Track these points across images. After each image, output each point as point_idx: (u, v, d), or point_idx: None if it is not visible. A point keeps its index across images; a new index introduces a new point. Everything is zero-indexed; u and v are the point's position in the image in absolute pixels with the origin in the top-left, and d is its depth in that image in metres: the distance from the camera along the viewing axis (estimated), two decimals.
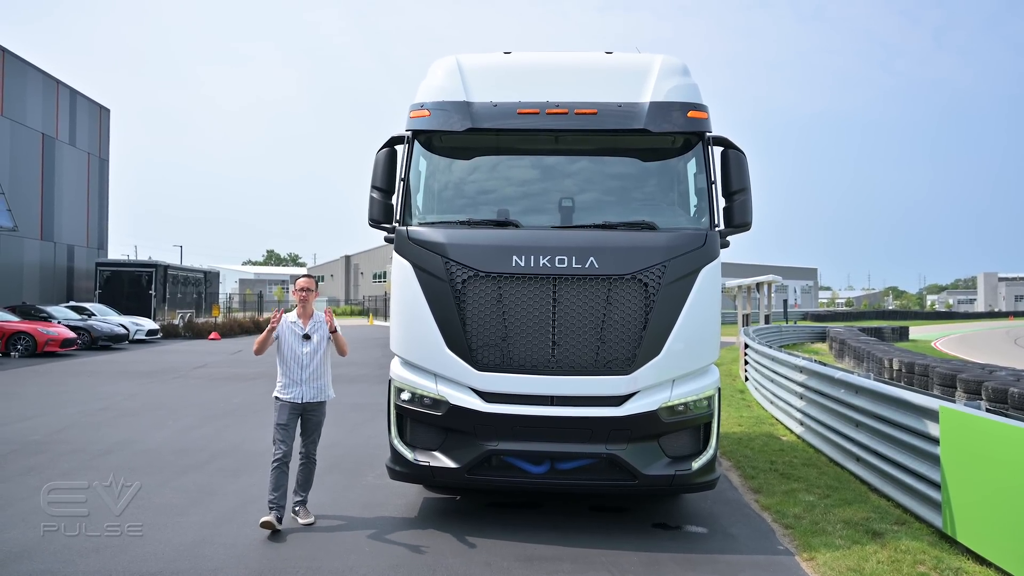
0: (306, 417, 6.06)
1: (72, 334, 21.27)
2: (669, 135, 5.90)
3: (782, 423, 10.83)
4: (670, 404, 5.51)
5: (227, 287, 72.29)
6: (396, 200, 6.19)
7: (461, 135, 5.94)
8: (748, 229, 5.96)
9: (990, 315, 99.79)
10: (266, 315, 43.97)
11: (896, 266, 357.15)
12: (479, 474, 5.58)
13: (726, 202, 5.93)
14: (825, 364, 9.92)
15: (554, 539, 5.60)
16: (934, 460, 5.95)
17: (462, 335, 5.54)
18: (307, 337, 6.06)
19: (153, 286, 31.21)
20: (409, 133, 6.10)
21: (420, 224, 5.91)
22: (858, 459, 7.73)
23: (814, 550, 5.40)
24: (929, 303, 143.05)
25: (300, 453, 6.07)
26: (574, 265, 5.50)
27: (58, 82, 32.63)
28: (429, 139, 6.11)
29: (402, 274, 5.81)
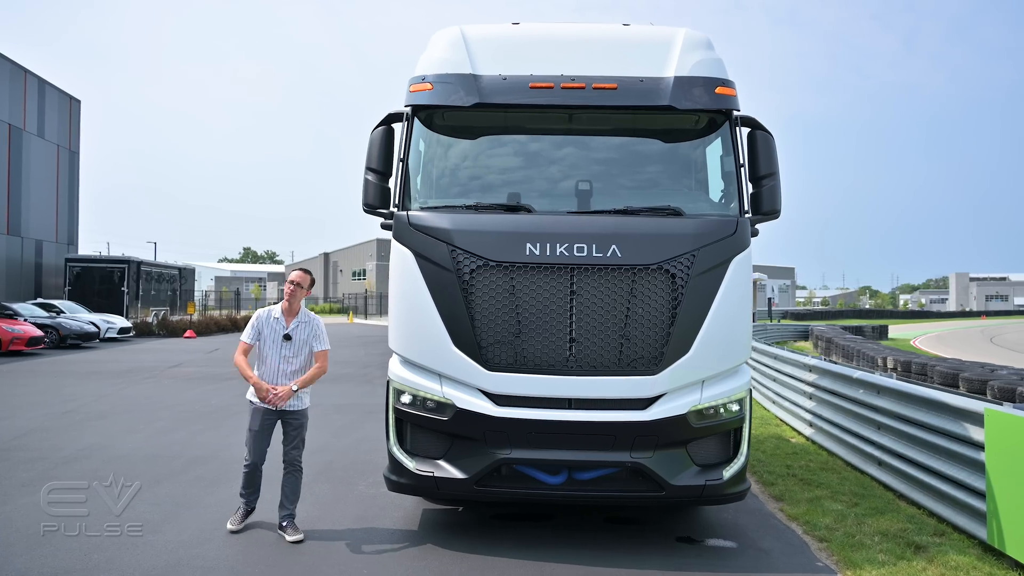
0: (285, 422, 5.53)
1: (39, 332, 20.31)
2: (695, 113, 5.39)
3: (788, 424, 10.41)
4: (700, 407, 5.00)
5: (203, 284, 70.80)
6: (394, 183, 5.62)
7: (467, 111, 5.37)
8: (777, 217, 5.48)
9: (963, 314, 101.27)
10: (244, 313, 42.98)
11: (869, 266, 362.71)
12: (489, 485, 5.03)
13: (753, 187, 5.43)
14: (837, 363, 9.51)
15: (570, 556, 5.07)
16: (976, 466, 5.52)
17: (470, 331, 4.98)
18: (287, 338, 5.50)
19: (126, 283, 30.12)
20: (408, 109, 5.53)
21: (422, 209, 5.34)
22: (880, 463, 7.31)
23: (858, 567, 4.92)
24: (902, 302, 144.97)
25: (284, 462, 5.52)
26: (594, 254, 4.97)
27: (25, 71, 31.38)
28: (431, 116, 5.54)
29: (402, 264, 5.24)
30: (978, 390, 12.27)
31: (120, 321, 26.20)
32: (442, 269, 5.05)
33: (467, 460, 5.03)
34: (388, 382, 5.35)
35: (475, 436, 5.00)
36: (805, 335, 37.37)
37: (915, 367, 15.51)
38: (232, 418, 10.26)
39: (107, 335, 24.72)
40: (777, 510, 6.32)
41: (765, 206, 5.36)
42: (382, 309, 60.26)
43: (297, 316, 5.59)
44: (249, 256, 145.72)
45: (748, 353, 5.28)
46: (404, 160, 5.45)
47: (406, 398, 5.20)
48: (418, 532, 5.56)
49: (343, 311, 68.27)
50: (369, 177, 5.49)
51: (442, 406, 5.05)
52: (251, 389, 5.53)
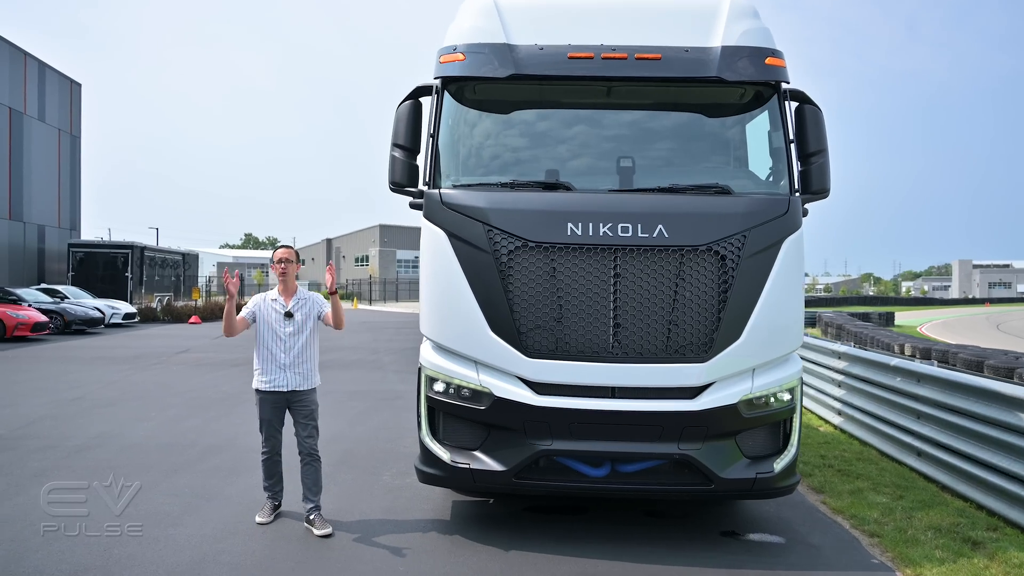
0: (294, 408, 5.28)
1: (44, 318, 20.07)
2: (744, 85, 5.08)
3: (814, 412, 10.16)
4: (751, 397, 4.74)
5: (205, 271, 70.48)
6: (422, 160, 5.33)
7: (502, 83, 5.07)
8: (826, 196, 5.19)
9: (966, 301, 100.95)
10: (246, 299, 42.81)
11: (871, 253, 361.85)
12: (529, 478, 4.78)
13: (802, 165, 5.13)
14: (868, 350, 9.25)
15: (611, 552, 4.82)
16: None
17: (509, 316, 4.71)
18: (289, 315, 5.24)
19: (129, 268, 29.83)
20: (438, 81, 5.22)
21: (455, 187, 5.05)
22: (920, 453, 7.06)
23: (916, 565, 4.68)
24: (904, 289, 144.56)
25: (300, 452, 5.28)
26: (640, 234, 4.68)
27: (25, 54, 30.92)
28: (462, 88, 5.23)
29: (435, 244, 4.95)
30: (1005, 377, 12.00)
31: (124, 307, 25.96)
32: (478, 250, 4.77)
33: (505, 451, 4.77)
34: (419, 369, 5.09)
35: (514, 426, 4.74)
36: (812, 322, 37.03)
37: (935, 354, 15.21)
38: (244, 405, 10.01)
39: (112, 321, 24.49)
40: (819, 503, 6.08)
41: (815, 184, 5.07)
42: (386, 295, 60.00)
43: (295, 294, 5.33)
44: (250, 242, 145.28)
45: (800, 340, 5.01)
46: (434, 135, 5.16)
47: (439, 386, 4.94)
48: (450, 525, 5.32)
49: (347, 297, 68.07)
50: (396, 154, 5.20)
51: (478, 395, 4.79)
52: (255, 375, 5.30)
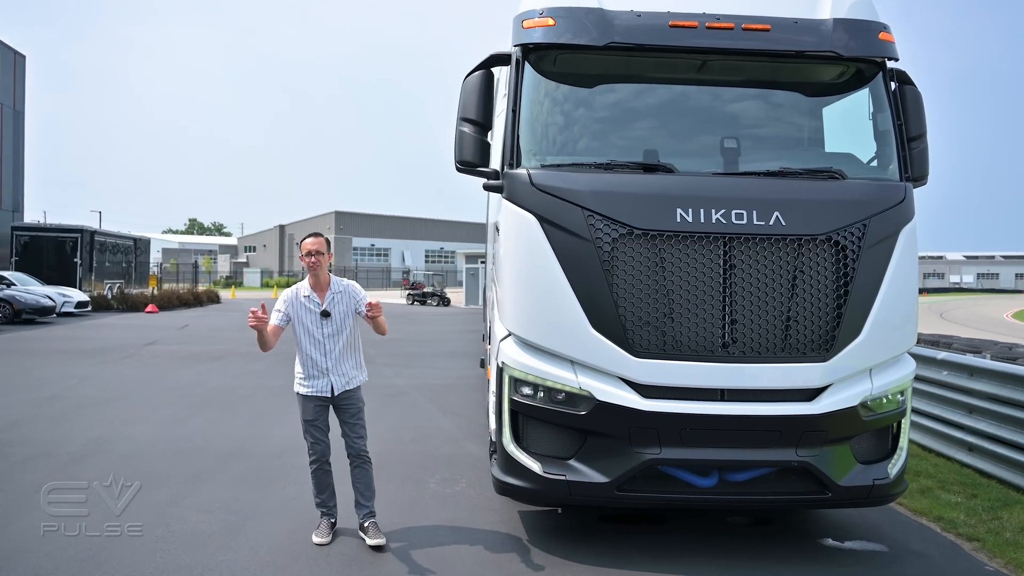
0: (340, 407, 4.78)
1: None
2: (858, 61, 4.70)
3: None
4: (871, 398, 4.40)
5: (150, 257, 67.53)
6: (496, 137, 4.80)
7: (595, 53, 4.57)
8: (925, 183, 4.88)
9: None
10: (202, 288, 41.07)
11: None
12: (632, 490, 4.33)
13: (903, 149, 4.81)
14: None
15: (708, 567, 4.44)
16: None
17: (613, 311, 4.24)
18: (326, 314, 4.68)
19: (79, 253, 28.01)
20: (518, 50, 4.69)
21: (544, 167, 4.54)
22: (971, 448, 6.92)
23: None
24: None
25: (348, 455, 4.79)
26: (755, 222, 4.27)
27: None
28: (547, 58, 4.71)
29: (524, 231, 4.44)
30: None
31: (77, 294, 24.38)
32: (577, 238, 4.28)
33: (606, 461, 4.32)
34: (501, 369, 4.57)
35: (617, 433, 4.29)
36: None
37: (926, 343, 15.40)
38: (244, 403, 9.30)
39: (63, 310, 22.96)
40: (895, 504, 5.82)
41: (917, 170, 4.75)
42: None
43: (330, 288, 4.75)
44: (195, 227, 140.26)
45: (915, 338, 4.69)
46: (516, 110, 4.63)
47: (527, 389, 4.44)
48: (528, 540, 4.84)
49: None
50: (465, 129, 4.66)
51: (576, 398, 4.32)
52: (296, 378, 4.78)
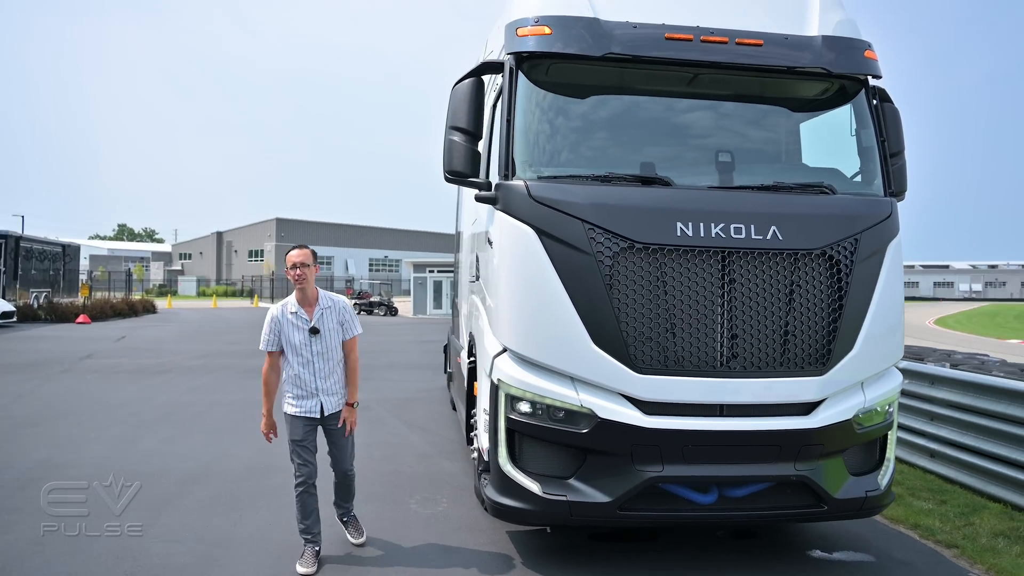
0: (329, 427, 4.66)
1: None
2: (845, 79, 4.78)
3: None
4: (864, 411, 4.46)
5: (79, 264, 64.32)
6: (487, 146, 4.69)
7: (593, 63, 4.51)
8: (903, 199, 5.01)
9: None
10: (137, 296, 39.36)
11: None
12: (633, 509, 4.25)
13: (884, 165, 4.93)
14: None
15: None
16: None
17: (615, 326, 4.16)
18: (315, 331, 4.55)
19: (3, 260, 26.39)
20: (511, 58, 4.59)
21: (541, 178, 4.44)
22: (933, 454, 7.16)
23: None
24: None
25: (334, 472, 4.78)
26: (754, 236, 4.28)
27: None
28: (540, 67, 4.62)
29: (520, 244, 4.32)
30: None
31: (2, 304, 22.95)
32: (577, 251, 4.19)
33: (607, 480, 4.23)
34: (496, 387, 4.44)
35: (619, 451, 4.20)
36: None
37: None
38: (199, 421, 8.85)
39: None
40: None
41: (897, 185, 4.88)
42: (286, 291, 56.89)
43: (317, 303, 4.63)
44: (125, 234, 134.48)
45: (902, 351, 4.78)
46: (510, 119, 4.53)
47: (525, 407, 4.32)
48: (521, 562, 4.70)
49: (239, 294, 64.28)
50: (455, 138, 4.55)
51: (576, 416, 4.22)
52: (286, 398, 4.65)
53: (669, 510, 4.33)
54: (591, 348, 4.18)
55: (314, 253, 4.67)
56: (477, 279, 5.55)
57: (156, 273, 78.47)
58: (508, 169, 4.48)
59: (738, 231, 4.27)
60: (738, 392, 4.27)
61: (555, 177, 4.46)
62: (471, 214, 6.10)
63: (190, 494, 5.93)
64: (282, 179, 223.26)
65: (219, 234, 75.66)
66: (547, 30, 4.48)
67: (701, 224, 4.25)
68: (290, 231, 68.38)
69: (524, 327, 4.34)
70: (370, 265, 74.66)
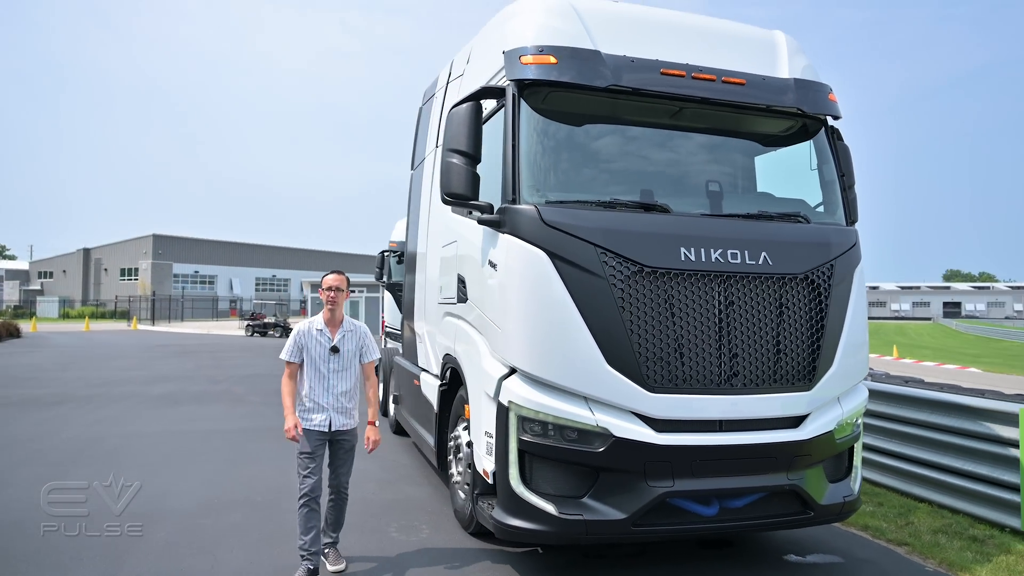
0: (335, 445, 4.86)
1: None
2: (810, 118, 5.23)
3: None
4: (842, 422, 4.84)
5: None
6: (489, 170, 4.75)
7: (596, 93, 4.69)
8: (854, 226, 5.54)
9: None
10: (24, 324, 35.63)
11: None
12: (645, 524, 4.38)
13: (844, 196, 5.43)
14: None
15: None
16: (1006, 463, 6.03)
17: (628, 347, 4.31)
18: (335, 350, 4.80)
19: None
20: (514, 85, 4.69)
21: (549, 203, 4.54)
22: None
23: (966, 569, 5.08)
24: None
25: (329, 487, 4.88)
26: (747, 261, 4.58)
27: None
28: (542, 94, 4.74)
29: (533, 267, 4.39)
30: None
31: None
32: (590, 275, 4.32)
33: (620, 497, 4.34)
34: (507, 409, 4.45)
35: (633, 468, 4.33)
36: None
37: None
38: (120, 456, 8.14)
39: None
40: None
41: (852, 215, 5.38)
42: (170, 314, 53.26)
43: (341, 325, 4.89)
44: None
45: (868, 368, 5.24)
46: (515, 145, 4.61)
47: (537, 428, 4.36)
48: None
49: (112, 315, 59.46)
50: (455, 161, 4.61)
51: (591, 435, 4.31)
52: (298, 409, 4.81)
53: (678, 523, 4.50)
54: (605, 369, 4.29)
55: (348, 280, 4.94)
56: (460, 301, 5.52)
57: (11, 293, 71.28)
58: (514, 193, 4.55)
59: (734, 256, 4.55)
60: (737, 408, 4.53)
61: (562, 202, 4.57)
62: (444, 235, 6.06)
63: (149, 536, 5.46)
64: (161, 196, 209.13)
65: (87, 251, 69.81)
66: (552, 59, 4.61)
67: (702, 249, 4.50)
68: (169, 248, 64.32)
69: (538, 349, 4.39)
70: (257, 284, 71.36)
